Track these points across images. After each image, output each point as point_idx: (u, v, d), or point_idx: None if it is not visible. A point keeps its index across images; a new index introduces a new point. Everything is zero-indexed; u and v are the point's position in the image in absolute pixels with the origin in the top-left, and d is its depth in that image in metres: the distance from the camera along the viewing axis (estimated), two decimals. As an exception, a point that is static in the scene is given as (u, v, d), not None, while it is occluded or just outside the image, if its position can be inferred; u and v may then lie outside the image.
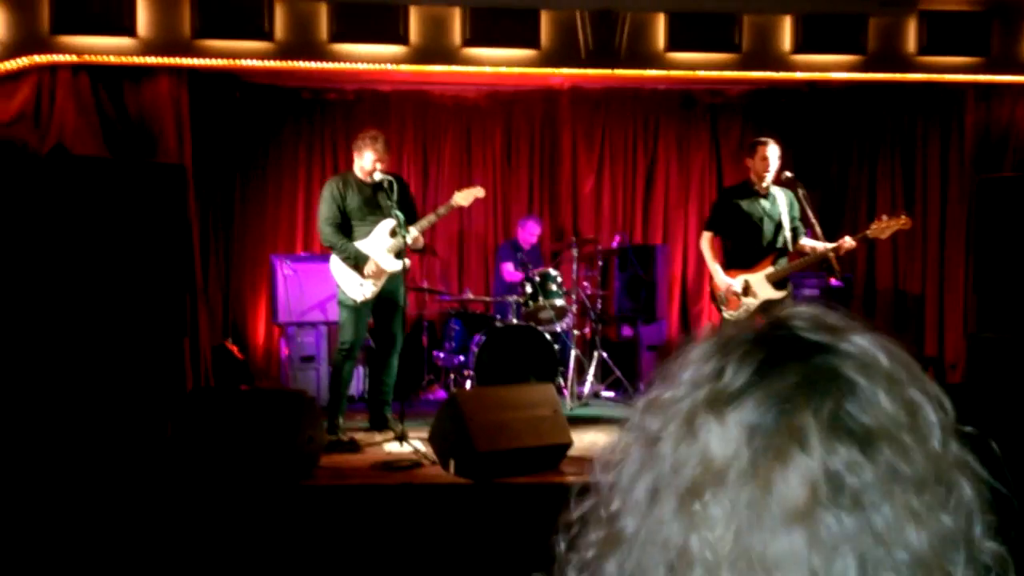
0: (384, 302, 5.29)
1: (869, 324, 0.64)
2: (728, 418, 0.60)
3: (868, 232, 4.95)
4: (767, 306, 5.04)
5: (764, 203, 5.14)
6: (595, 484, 0.69)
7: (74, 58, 6.07)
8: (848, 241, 4.93)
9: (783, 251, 5.13)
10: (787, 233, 5.12)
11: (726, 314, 5.15)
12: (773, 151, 5.10)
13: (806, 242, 5.15)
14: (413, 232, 5.16)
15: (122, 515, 3.77)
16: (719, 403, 0.61)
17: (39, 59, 6.05)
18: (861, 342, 0.62)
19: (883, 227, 4.92)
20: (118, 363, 5.22)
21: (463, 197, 5.30)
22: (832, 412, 0.58)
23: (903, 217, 4.97)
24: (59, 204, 5.33)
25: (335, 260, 5.27)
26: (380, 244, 5.23)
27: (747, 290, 5.06)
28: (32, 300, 5.17)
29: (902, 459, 0.57)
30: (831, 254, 4.99)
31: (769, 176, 5.10)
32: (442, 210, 5.30)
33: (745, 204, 5.15)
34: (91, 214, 5.39)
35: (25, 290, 5.18)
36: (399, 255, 5.23)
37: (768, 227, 5.12)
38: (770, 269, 5.06)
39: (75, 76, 6.18)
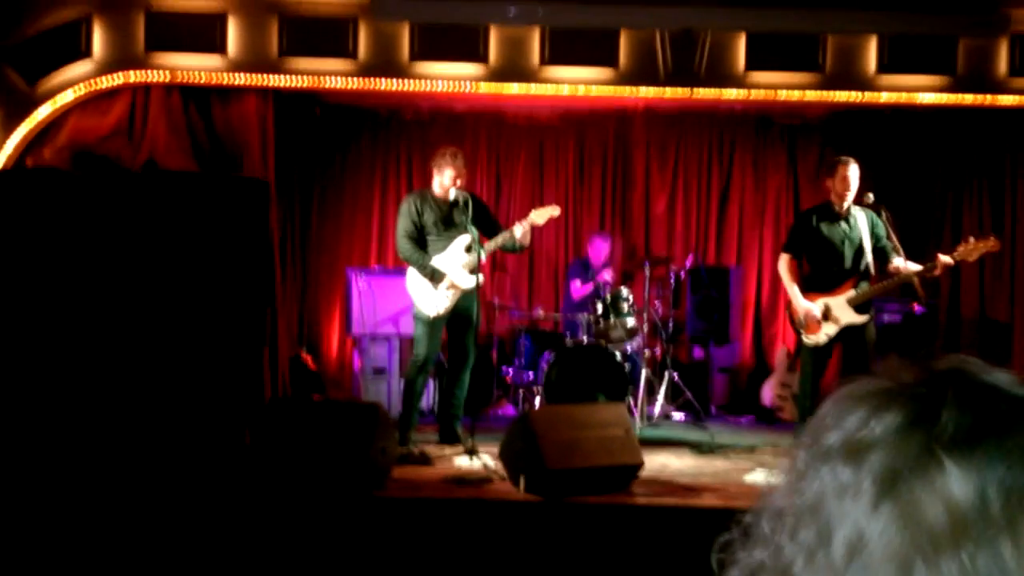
0: (457, 317, 5.34)
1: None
2: (972, 460, 0.55)
3: (955, 254, 4.78)
4: (848, 331, 4.92)
5: (844, 225, 5.03)
6: (765, 539, 0.63)
7: (167, 76, 6.32)
8: (943, 258, 4.74)
9: (865, 274, 5.00)
10: (868, 257, 4.99)
11: (805, 339, 5.04)
12: (854, 171, 4.99)
13: (897, 262, 4.95)
14: (492, 246, 5.24)
15: (200, 522, 3.88)
16: (956, 445, 0.56)
17: (134, 76, 6.32)
18: None
19: (970, 249, 4.76)
20: (200, 373, 5.38)
21: (539, 215, 5.32)
22: None
23: (992, 239, 4.81)
24: (151, 217, 5.54)
25: (411, 275, 5.35)
26: (455, 260, 5.30)
27: (827, 314, 4.95)
28: (122, 309, 5.37)
29: None
30: (915, 279, 4.86)
31: (850, 197, 5.00)
32: (517, 228, 5.31)
33: (825, 227, 5.05)
34: (180, 227, 5.58)
35: (116, 299, 5.39)
36: (473, 271, 5.28)
37: (848, 250, 5.00)
38: (851, 293, 4.94)
39: (167, 94, 6.44)
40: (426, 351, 5.32)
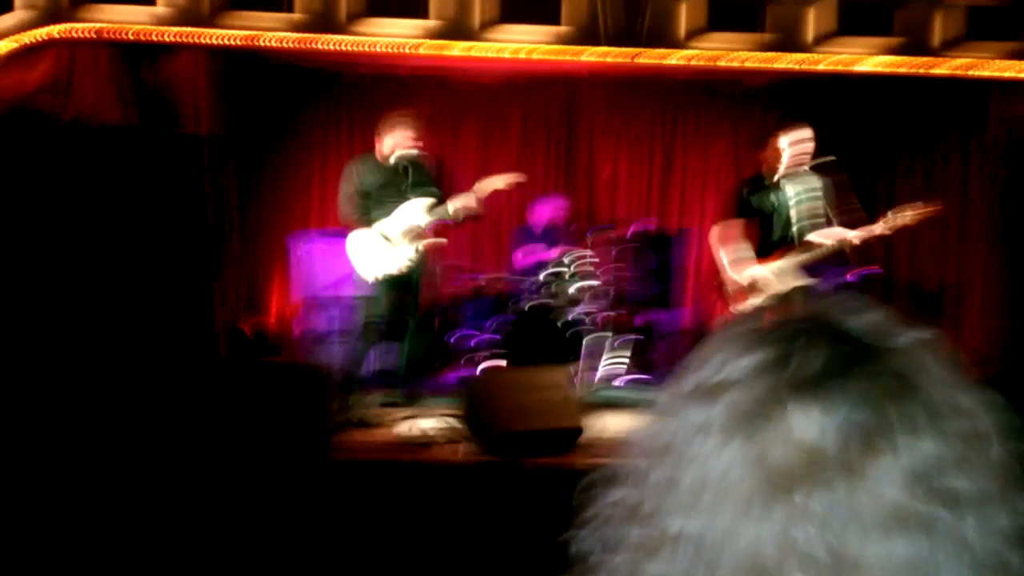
0: (401, 282, 5.29)
1: (908, 318, 0.62)
2: (816, 402, 0.56)
3: (886, 222, 4.87)
4: (780, 299, 5.00)
5: (774, 196, 5.11)
6: (623, 479, 0.64)
7: (95, 26, 6.06)
8: (851, 236, 4.88)
9: (793, 243, 5.07)
10: (797, 226, 5.07)
11: (734, 308, 5.11)
12: (785, 141, 5.06)
13: (813, 237, 5.06)
14: (439, 213, 5.17)
15: (147, 488, 3.80)
16: (802, 388, 0.56)
17: (61, 28, 6.05)
18: (912, 340, 0.60)
19: (904, 216, 4.87)
20: (141, 335, 5.25)
21: (489, 184, 5.30)
22: (911, 411, 0.55)
23: (928, 204, 4.94)
24: (80, 172, 5.36)
25: (352, 239, 5.28)
26: (398, 225, 5.24)
27: (755, 285, 5.03)
28: (52, 270, 5.20)
29: (975, 462, 0.55)
30: (844, 248, 4.96)
31: (781, 168, 5.07)
32: (450, 205, 5.24)
33: (756, 198, 5.12)
34: (112, 182, 5.42)
35: (45, 259, 5.21)
36: (415, 237, 5.23)
37: (778, 220, 5.08)
38: (779, 263, 5.01)
39: (96, 46, 6.18)
40: (370, 315, 5.27)
